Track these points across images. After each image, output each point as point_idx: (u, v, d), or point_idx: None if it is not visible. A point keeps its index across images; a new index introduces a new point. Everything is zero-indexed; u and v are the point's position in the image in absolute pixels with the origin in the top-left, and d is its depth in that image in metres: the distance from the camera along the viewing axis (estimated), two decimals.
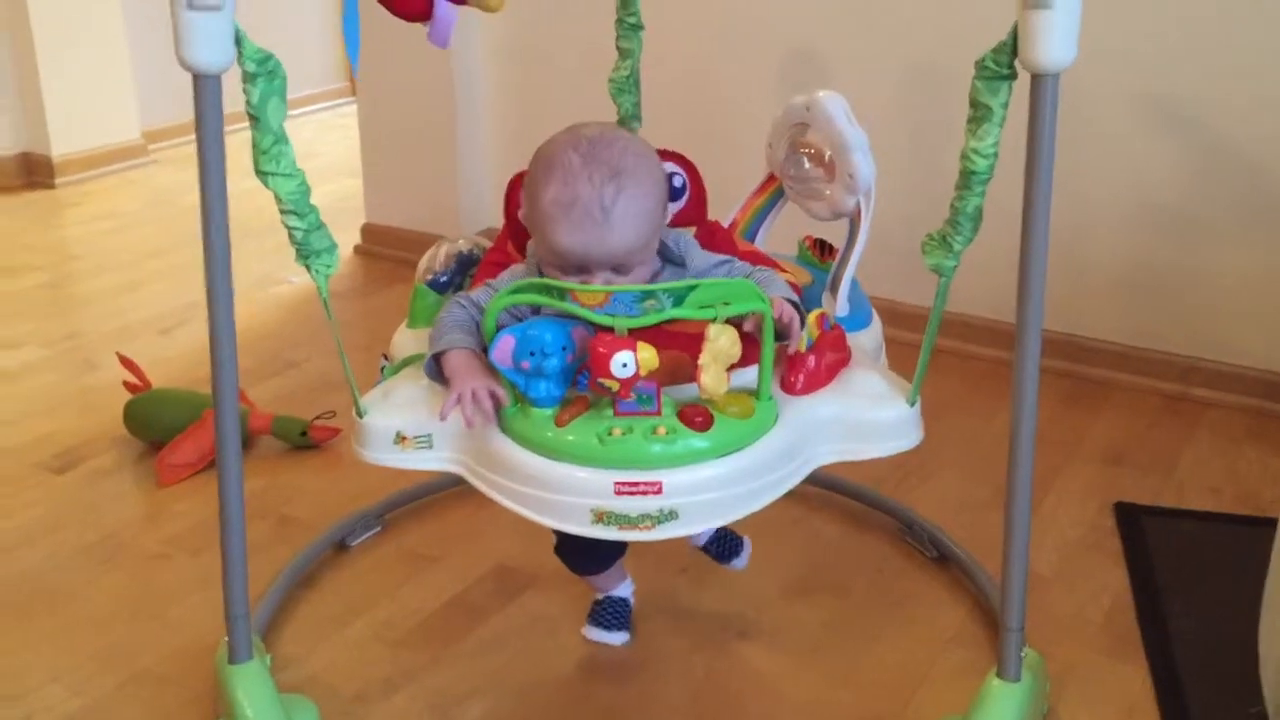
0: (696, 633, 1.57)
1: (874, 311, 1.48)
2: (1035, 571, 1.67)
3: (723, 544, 1.58)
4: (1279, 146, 2.13)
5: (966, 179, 1.17)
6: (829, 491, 1.87)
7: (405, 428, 1.22)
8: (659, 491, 1.11)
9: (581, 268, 1.19)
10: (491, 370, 1.14)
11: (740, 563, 1.59)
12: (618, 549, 1.46)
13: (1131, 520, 1.82)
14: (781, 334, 1.19)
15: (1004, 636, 1.28)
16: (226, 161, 1.15)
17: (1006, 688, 1.28)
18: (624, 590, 1.54)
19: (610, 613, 1.52)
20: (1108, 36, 2.16)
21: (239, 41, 1.10)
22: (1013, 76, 1.12)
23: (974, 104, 1.15)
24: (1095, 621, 1.60)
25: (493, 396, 1.15)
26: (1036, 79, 1.10)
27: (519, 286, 1.17)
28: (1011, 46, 1.10)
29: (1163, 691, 1.46)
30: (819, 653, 1.55)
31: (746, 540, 1.59)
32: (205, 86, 1.10)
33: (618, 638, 1.52)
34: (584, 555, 1.46)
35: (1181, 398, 2.26)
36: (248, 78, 1.12)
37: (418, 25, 1.43)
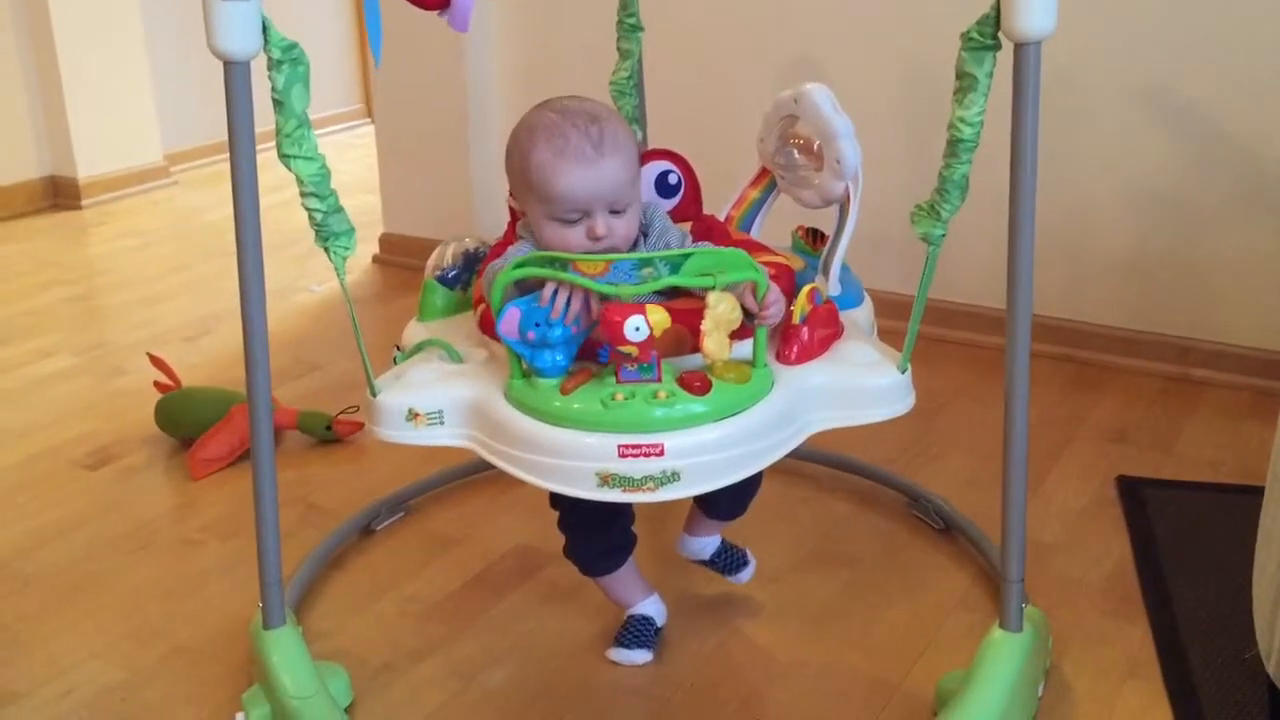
0: (710, 602, 1.62)
1: (865, 292, 1.52)
2: (1039, 540, 1.73)
3: (728, 557, 1.59)
4: (1269, 134, 2.18)
5: (954, 147, 1.23)
6: (838, 471, 1.90)
7: (418, 405, 1.27)
8: (661, 453, 1.16)
9: (584, 210, 1.25)
10: None
11: (745, 575, 1.60)
12: (625, 543, 1.47)
13: (1133, 492, 1.86)
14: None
15: (1005, 588, 1.33)
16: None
17: (1009, 638, 1.33)
18: (648, 608, 1.53)
19: (631, 631, 1.51)
20: (1104, 33, 2.23)
21: (265, 30, 1.16)
22: (996, 46, 1.18)
23: (960, 75, 1.21)
24: (1097, 585, 1.65)
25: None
26: (1019, 48, 1.16)
27: (523, 260, 1.20)
28: (995, 18, 1.16)
29: (1163, 648, 1.50)
30: (830, 619, 1.59)
31: (751, 557, 1.61)
32: (235, 73, 1.17)
33: (639, 656, 1.50)
34: (592, 548, 1.46)
35: (1181, 378, 2.31)
36: (273, 64, 1.18)
37: (434, 34, 1.47)
